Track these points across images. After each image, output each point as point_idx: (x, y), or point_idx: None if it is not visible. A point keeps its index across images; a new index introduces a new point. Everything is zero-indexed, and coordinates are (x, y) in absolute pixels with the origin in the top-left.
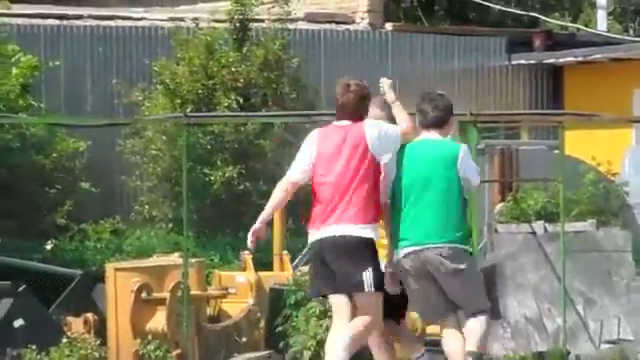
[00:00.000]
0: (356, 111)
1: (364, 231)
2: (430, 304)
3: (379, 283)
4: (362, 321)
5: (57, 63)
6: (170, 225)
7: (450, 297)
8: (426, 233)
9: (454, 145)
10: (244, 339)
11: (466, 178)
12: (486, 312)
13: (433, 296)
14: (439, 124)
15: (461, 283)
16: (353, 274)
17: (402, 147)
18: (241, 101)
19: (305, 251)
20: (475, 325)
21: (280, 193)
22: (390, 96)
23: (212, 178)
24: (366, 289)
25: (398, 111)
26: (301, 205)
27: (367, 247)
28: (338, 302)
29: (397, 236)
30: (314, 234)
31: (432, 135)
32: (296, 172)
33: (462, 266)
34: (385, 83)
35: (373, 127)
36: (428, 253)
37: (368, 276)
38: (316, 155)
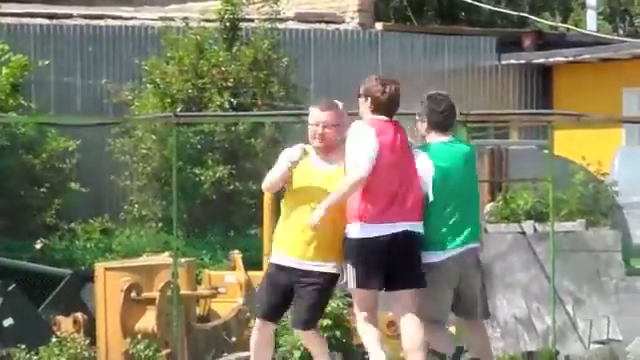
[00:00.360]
0: (397, 107)
1: (421, 228)
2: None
3: None
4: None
5: (47, 62)
6: (160, 224)
7: (467, 297)
8: (468, 235)
9: (471, 146)
10: (233, 339)
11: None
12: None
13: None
14: (449, 126)
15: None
16: (417, 270)
17: (426, 148)
18: (234, 102)
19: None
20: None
21: (353, 189)
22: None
23: (202, 178)
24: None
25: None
26: None
27: (420, 244)
28: (402, 296)
29: (436, 237)
30: (373, 228)
31: (448, 137)
32: (368, 165)
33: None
34: None
35: None
36: (469, 253)
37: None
38: (379, 148)
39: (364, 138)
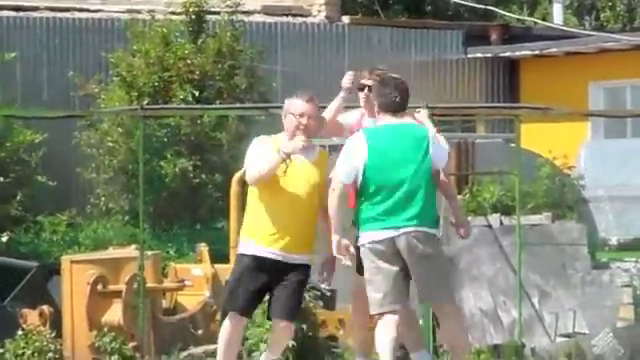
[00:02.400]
0: None
1: None
2: (395, 289)
3: None
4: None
5: (13, 55)
6: (126, 217)
7: (416, 282)
8: (407, 216)
9: (424, 128)
10: (200, 331)
11: (435, 161)
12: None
13: (398, 281)
14: (404, 107)
15: (427, 268)
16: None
17: (367, 129)
18: (196, 94)
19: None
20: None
21: None
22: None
23: (168, 171)
24: None
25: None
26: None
27: None
28: None
29: (368, 218)
30: None
31: (400, 119)
32: None
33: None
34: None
35: None
36: (406, 236)
37: None
38: None
39: None
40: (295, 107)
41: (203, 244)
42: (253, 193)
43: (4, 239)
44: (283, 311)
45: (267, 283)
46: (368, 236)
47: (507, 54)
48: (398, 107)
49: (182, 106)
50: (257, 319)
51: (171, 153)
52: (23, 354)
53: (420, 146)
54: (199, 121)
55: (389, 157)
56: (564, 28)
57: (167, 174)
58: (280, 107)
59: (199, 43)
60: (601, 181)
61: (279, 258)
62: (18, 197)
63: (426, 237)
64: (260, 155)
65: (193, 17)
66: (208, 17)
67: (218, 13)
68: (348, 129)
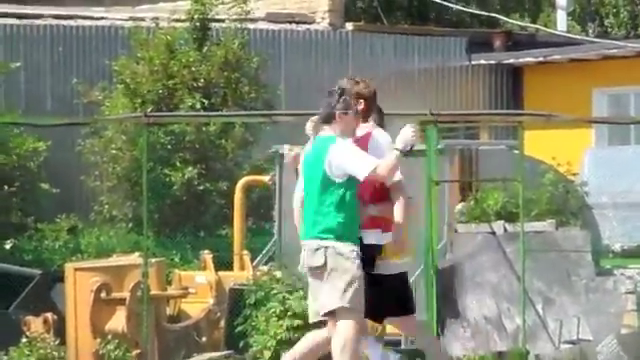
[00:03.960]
0: None
1: None
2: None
3: None
4: None
5: (18, 64)
6: (130, 225)
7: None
8: (306, 229)
9: (326, 140)
10: (204, 339)
11: (336, 167)
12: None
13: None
14: (328, 120)
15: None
16: None
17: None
18: (205, 103)
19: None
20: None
21: None
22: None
23: (172, 178)
24: None
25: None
26: (261, 205)
27: None
28: None
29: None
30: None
31: (327, 132)
32: None
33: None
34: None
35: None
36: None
37: None
38: None
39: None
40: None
41: (207, 251)
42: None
43: (8, 246)
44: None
45: None
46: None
47: (511, 61)
48: (327, 118)
49: (185, 113)
50: (261, 326)
51: (179, 161)
52: None
53: (319, 158)
54: (204, 129)
55: (304, 172)
56: (568, 35)
57: (173, 182)
58: (284, 114)
59: (204, 51)
60: (605, 188)
61: None
62: (21, 204)
63: (313, 248)
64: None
65: (197, 25)
66: (212, 25)
67: (223, 21)
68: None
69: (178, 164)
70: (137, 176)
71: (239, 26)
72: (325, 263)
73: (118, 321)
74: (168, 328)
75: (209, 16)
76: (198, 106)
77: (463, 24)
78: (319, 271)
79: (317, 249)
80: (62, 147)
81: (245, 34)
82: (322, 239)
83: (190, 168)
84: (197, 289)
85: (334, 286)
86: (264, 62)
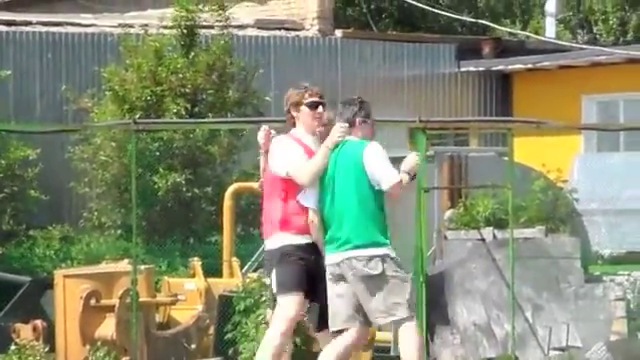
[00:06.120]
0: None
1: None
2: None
3: None
4: None
5: (8, 72)
6: (119, 232)
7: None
8: None
9: (362, 143)
10: (193, 346)
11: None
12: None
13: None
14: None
15: None
16: None
17: None
18: (189, 107)
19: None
20: None
21: None
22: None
23: (161, 185)
24: None
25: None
26: (250, 212)
27: None
28: None
29: None
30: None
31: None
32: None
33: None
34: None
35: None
36: None
37: None
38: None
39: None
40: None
41: (196, 258)
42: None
43: None
44: None
45: None
46: None
47: (500, 68)
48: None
49: (174, 120)
50: (250, 333)
51: (163, 167)
52: None
53: (357, 164)
54: (191, 135)
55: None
56: (557, 42)
57: (160, 188)
58: (273, 121)
59: (191, 57)
60: (594, 194)
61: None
62: (11, 212)
63: (366, 256)
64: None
65: (185, 31)
66: (200, 31)
67: (211, 27)
68: None
69: (161, 170)
70: (126, 183)
71: (223, 32)
72: (383, 271)
73: (107, 328)
74: (157, 335)
75: (196, 23)
76: (183, 112)
77: (452, 31)
78: (373, 280)
79: (372, 258)
80: (51, 154)
81: (228, 39)
82: (377, 247)
83: (178, 174)
84: (186, 296)
85: (397, 294)
86: (252, 68)
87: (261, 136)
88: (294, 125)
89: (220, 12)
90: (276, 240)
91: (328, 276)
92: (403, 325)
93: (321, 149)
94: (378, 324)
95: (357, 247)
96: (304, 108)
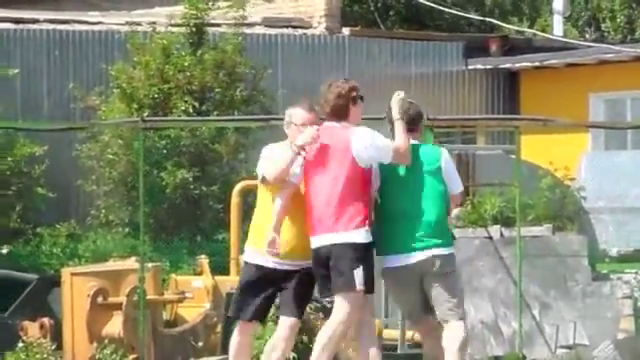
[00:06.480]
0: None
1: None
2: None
3: None
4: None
5: (16, 70)
6: (127, 229)
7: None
8: None
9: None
10: (200, 344)
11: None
12: None
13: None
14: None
15: None
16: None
17: None
18: (197, 105)
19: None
20: None
21: None
22: (395, 113)
23: (168, 182)
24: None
25: (398, 129)
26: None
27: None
28: None
29: None
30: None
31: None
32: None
33: None
34: (396, 98)
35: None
36: None
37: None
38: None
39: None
40: (297, 117)
41: (203, 256)
42: (265, 200)
43: (4, 251)
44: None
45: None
46: None
47: (507, 66)
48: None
49: (182, 118)
50: (256, 331)
51: (171, 165)
52: None
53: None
54: (198, 133)
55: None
56: (564, 40)
57: (167, 185)
58: (281, 119)
59: (199, 55)
60: (601, 193)
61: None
62: (18, 209)
63: (443, 254)
64: (273, 158)
65: (193, 29)
66: (209, 29)
67: (219, 25)
68: None
69: (169, 167)
70: (133, 180)
71: (235, 31)
72: (454, 269)
73: (115, 326)
74: (165, 333)
75: (205, 20)
76: (191, 110)
77: (460, 29)
78: (444, 276)
79: (448, 255)
80: (59, 152)
81: (241, 38)
82: (447, 246)
83: (186, 172)
84: (194, 294)
85: (460, 292)
86: (260, 67)
87: (314, 136)
88: (346, 118)
89: (239, 9)
90: (361, 234)
91: (394, 272)
92: (454, 322)
93: (290, 153)
94: (447, 321)
95: (439, 246)
96: (359, 102)
